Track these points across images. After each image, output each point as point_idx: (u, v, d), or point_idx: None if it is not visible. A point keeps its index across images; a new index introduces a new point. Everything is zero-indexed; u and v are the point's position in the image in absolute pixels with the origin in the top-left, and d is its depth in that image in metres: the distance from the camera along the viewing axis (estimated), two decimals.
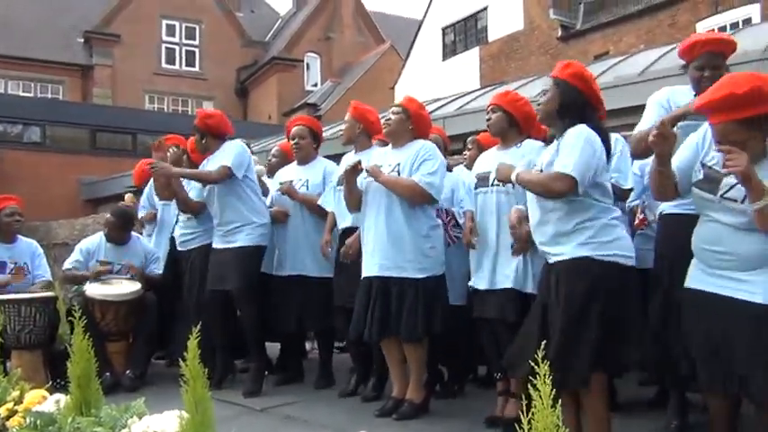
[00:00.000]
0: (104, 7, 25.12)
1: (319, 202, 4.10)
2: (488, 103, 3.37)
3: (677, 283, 2.58)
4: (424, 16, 20.66)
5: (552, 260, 2.66)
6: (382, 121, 3.68)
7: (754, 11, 12.42)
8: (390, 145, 3.64)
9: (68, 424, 2.32)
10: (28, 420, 2.54)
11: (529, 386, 1.40)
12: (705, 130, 2.44)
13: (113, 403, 2.44)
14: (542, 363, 1.38)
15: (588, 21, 15.62)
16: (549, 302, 2.63)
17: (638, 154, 3.01)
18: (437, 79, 18.65)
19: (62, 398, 2.63)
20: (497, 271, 3.16)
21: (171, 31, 26.53)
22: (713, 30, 12.91)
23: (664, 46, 9.21)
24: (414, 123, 3.57)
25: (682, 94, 2.93)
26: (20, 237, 4.74)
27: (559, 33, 15.93)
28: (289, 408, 3.78)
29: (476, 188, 3.31)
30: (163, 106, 25.87)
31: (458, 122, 7.84)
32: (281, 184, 4.31)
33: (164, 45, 26.30)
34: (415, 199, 3.40)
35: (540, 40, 16.41)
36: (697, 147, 2.44)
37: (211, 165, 4.16)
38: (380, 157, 3.63)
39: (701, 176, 2.38)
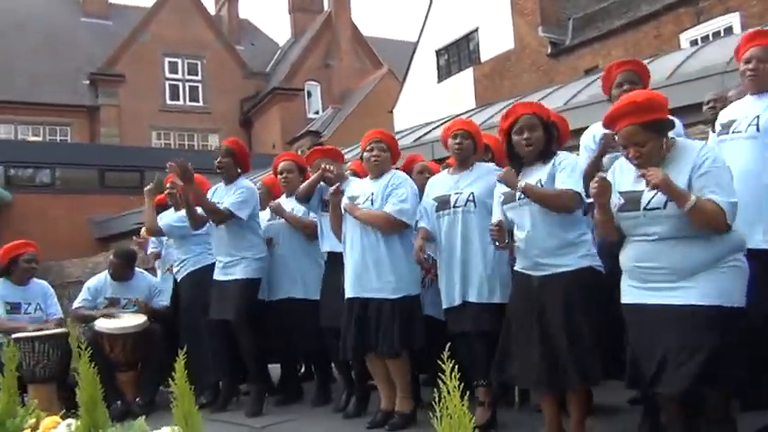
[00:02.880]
0: (108, 49, 25.78)
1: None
2: (454, 129, 3.63)
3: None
4: (418, 40, 21.03)
5: (549, 272, 2.94)
6: (368, 157, 3.84)
7: (734, 20, 12.73)
8: (368, 177, 3.93)
9: None
10: None
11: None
12: (612, 170, 2.74)
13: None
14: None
15: (577, 37, 15.96)
16: (544, 311, 2.91)
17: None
18: (433, 101, 19.01)
19: (73, 422, 2.92)
20: (468, 286, 3.43)
21: (173, 67, 27.14)
22: (697, 40, 13.27)
23: (647, 58, 9.52)
24: (392, 154, 3.90)
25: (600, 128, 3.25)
26: (33, 279, 5.05)
27: (549, 50, 16.26)
28: (288, 425, 4.02)
29: (437, 211, 3.57)
30: (169, 142, 26.37)
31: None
32: (270, 214, 4.60)
33: (167, 82, 26.92)
34: (390, 228, 3.67)
35: (531, 58, 16.75)
36: (611, 185, 2.65)
37: (221, 194, 4.48)
38: (359, 187, 3.91)
39: (622, 202, 2.61)
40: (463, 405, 1.50)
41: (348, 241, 3.81)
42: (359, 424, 3.85)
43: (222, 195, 4.49)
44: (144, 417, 2.71)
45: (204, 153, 20.03)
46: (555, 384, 2.94)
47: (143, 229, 7.45)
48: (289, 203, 4.58)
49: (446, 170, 3.73)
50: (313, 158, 4.37)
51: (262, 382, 4.48)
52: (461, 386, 1.51)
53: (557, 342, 2.86)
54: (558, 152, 3.14)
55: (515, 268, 3.15)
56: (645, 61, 8.79)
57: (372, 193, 3.76)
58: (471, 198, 3.45)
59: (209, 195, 4.51)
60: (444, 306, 3.57)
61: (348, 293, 3.76)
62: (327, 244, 4.15)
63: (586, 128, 6.10)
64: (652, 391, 2.60)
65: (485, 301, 3.38)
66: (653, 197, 2.51)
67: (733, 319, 2.43)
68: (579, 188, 2.93)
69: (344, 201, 3.85)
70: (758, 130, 2.80)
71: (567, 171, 2.98)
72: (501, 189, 3.16)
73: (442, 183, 3.64)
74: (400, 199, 3.67)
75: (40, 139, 23.43)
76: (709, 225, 2.41)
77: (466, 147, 3.56)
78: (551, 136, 3.11)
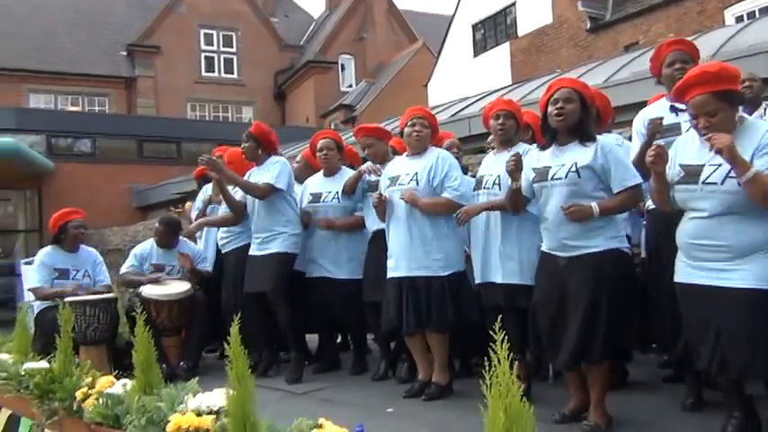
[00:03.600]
0: (144, 21, 26.02)
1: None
2: (498, 108, 3.67)
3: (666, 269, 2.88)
4: (454, 13, 20.79)
5: (577, 253, 2.97)
6: (410, 132, 3.89)
7: None
8: (406, 154, 3.99)
9: (135, 402, 2.75)
10: (100, 401, 2.99)
11: None
12: (675, 144, 2.75)
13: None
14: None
15: (617, 11, 15.61)
16: (569, 291, 2.96)
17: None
18: (469, 76, 18.84)
19: (128, 382, 3.08)
20: (504, 264, 3.51)
21: (209, 39, 27.26)
22: (743, 16, 12.89)
23: (691, 35, 9.30)
24: (432, 133, 3.95)
25: (654, 110, 3.25)
26: (82, 246, 5.25)
27: (588, 25, 15.94)
28: (326, 392, 4.16)
29: (474, 189, 3.68)
30: (204, 113, 26.62)
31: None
32: (311, 195, 4.71)
33: (203, 54, 27.03)
34: (451, 212, 3.75)
35: (569, 33, 16.46)
36: (671, 161, 2.70)
37: (256, 176, 4.59)
38: (398, 166, 3.97)
39: (682, 175, 2.64)
40: (512, 374, 1.57)
41: (393, 221, 3.89)
42: (395, 393, 3.96)
43: (256, 177, 4.60)
44: (196, 378, 2.84)
45: (238, 125, 20.23)
46: (576, 360, 2.99)
47: (187, 204, 7.66)
48: (325, 183, 4.68)
49: (492, 151, 3.76)
50: (360, 135, 4.46)
51: (301, 351, 4.62)
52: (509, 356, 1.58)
53: (581, 321, 2.90)
54: (603, 136, 3.15)
55: (542, 249, 3.17)
56: (692, 37, 8.68)
57: (417, 173, 3.82)
58: (497, 181, 3.54)
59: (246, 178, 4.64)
60: (479, 281, 3.64)
61: (395, 272, 3.84)
62: (372, 223, 4.26)
63: (628, 106, 6.08)
64: (712, 373, 2.64)
65: (517, 281, 3.44)
66: (713, 171, 2.53)
67: None
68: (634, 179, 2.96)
69: (382, 183, 3.95)
70: None
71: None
72: (531, 166, 3.19)
73: (488, 163, 3.70)
74: (457, 184, 3.75)
75: (79, 109, 23.88)
76: (766, 200, 2.41)
77: (509, 127, 3.60)
78: (588, 114, 3.08)
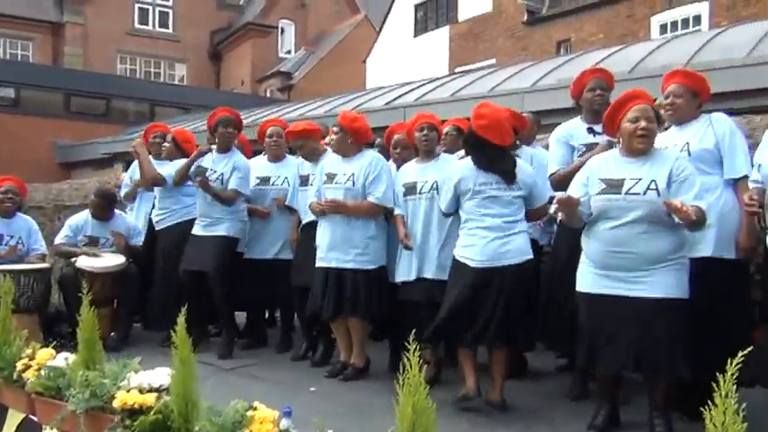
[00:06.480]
0: None
1: (287, 203, 4.78)
2: (422, 122, 4.02)
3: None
4: None
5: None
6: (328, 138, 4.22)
7: (704, 9, 13.18)
8: (341, 155, 4.25)
9: (79, 376, 2.95)
10: (43, 373, 3.17)
11: None
12: (590, 164, 3.17)
13: None
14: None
15: (553, 7, 16.22)
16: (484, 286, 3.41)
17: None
18: (408, 56, 19.12)
19: (70, 356, 3.26)
20: (423, 264, 3.89)
21: None
22: (667, 24, 13.73)
23: (618, 44, 9.88)
24: (352, 137, 4.18)
25: (575, 127, 3.67)
26: (18, 214, 5.27)
27: (525, 18, 16.49)
28: (254, 368, 4.45)
29: (404, 195, 4.02)
30: (135, 67, 25.74)
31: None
32: (258, 179, 4.94)
33: (137, 5, 26.01)
34: (376, 215, 4.09)
35: (507, 24, 16.97)
36: (590, 177, 3.09)
37: (212, 163, 4.79)
38: (335, 165, 4.25)
39: (603, 187, 3.00)
40: (420, 375, 1.93)
41: (327, 216, 4.16)
42: (318, 372, 4.31)
43: (212, 163, 4.79)
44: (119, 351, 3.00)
45: (172, 86, 19.78)
46: (476, 343, 3.48)
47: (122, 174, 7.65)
48: (274, 168, 4.95)
49: (415, 159, 4.10)
50: (289, 139, 4.71)
51: (233, 328, 4.89)
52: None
53: (491, 312, 3.36)
54: (523, 149, 3.59)
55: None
56: (614, 49, 9.30)
57: (353, 174, 4.12)
58: (435, 186, 3.86)
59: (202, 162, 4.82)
60: (400, 279, 4.01)
61: (323, 263, 4.15)
62: (306, 217, 4.54)
63: (550, 111, 6.55)
64: (630, 372, 3.08)
65: (437, 277, 3.82)
66: (635, 184, 2.94)
67: (686, 309, 2.92)
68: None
69: (318, 178, 4.26)
70: (689, 155, 3.20)
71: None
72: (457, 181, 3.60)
73: (411, 171, 4.04)
74: (384, 187, 4.06)
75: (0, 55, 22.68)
76: (694, 225, 2.84)
77: (431, 138, 3.96)
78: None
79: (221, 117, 4.81)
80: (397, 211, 4.06)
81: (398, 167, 4.22)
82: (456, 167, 3.64)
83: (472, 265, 3.44)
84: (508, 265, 3.40)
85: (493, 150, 3.46)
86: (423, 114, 4.12)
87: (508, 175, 3.46)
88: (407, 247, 3.91)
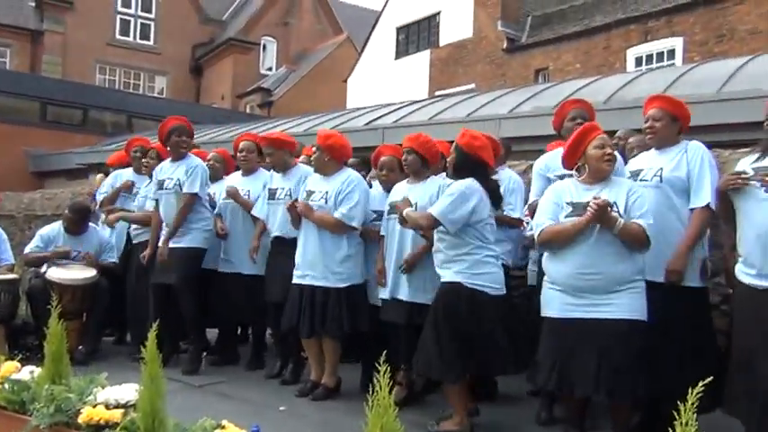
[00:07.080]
0: None
1: (253, 212, 4.72)
2: (404, 146, 4.02)
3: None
4: (381, 12, 21.07)
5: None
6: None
7: (678, 43, 13.54)
8: (321, 174, 4.27)
9: (44, 390, 2.91)
10: (6, 386, 3.11)
11: None
12: (556, 189, 3.27)
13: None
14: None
15: (533, 35, 16.51)
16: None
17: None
18: (388, 78, 19.28)
19: (35, 369, 3.21)
20: (399, 286, 3.91)
21: (126, 1, 26.21)
22: (642, 57, 14.08)
23: (594, 75, 10.10)
24: (328, 154, 4.18)
25: (552, 159, 3.75)
26: None
27: (505, 45, 16.76)
28: (223, 386, 4.40)
29: (388, 213, 4.03)
30: (114, 78, 25.59)
31: (396, 133, 8.48)
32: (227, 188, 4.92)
33: (118, 16, 25.98)
34: (339, 231, 4.09)
35: (486, 50, 17.22)
36: (556, 201, 3.20)
37: (168, 171, 4.77)
38: (315, 183, 4.27)
39: (570, 209, 3.11)
40: (390, 397, 1.94)
41: (304, 232, 4.18)
42: (288, 390, 4.28)
43: (168, 172, 4.78)
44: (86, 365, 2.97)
45: (150, 98, 19.65)
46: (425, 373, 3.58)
47: (98, 176, 7.60)
48: (244, 182, 4.92)
49: (407, 179, 4.08)
50: (262, 145, 4.68)
51: (200, 344, 4.84)
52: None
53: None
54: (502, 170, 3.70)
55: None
56: (590, 79, 9.50)
57: (327, 192, 4.14)
58: (415, 208, 3.87)
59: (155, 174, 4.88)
60: (376, 299, 4.04)
61: (299, 279, 4.15)
62: (276, 230, 4.51)
63: (526, 138, 6.65)
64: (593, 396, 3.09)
65: (415, 300, 3.83)
66: None
67: (647, 332, 3.01)
68: (435, 212, 3.43)
69: (302, 195, 4.25)
70: (661, 180, 3.30)
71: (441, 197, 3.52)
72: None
73: (399, 191, 4.01)
74: (351, 206, 4.06)
75: None
76: (635, 243, 3.00)
77: (411, 161, 3.94)
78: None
79: (174, 125, 4.77)
80: (383, 232, 4.09)
81: (384, 189, 4.24)
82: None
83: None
84: None
85: (484, 171, 3.53)
86: (409, 137, 4.06)
87: (497, 194, 3.58)
88: (380, 284, 4.01)
